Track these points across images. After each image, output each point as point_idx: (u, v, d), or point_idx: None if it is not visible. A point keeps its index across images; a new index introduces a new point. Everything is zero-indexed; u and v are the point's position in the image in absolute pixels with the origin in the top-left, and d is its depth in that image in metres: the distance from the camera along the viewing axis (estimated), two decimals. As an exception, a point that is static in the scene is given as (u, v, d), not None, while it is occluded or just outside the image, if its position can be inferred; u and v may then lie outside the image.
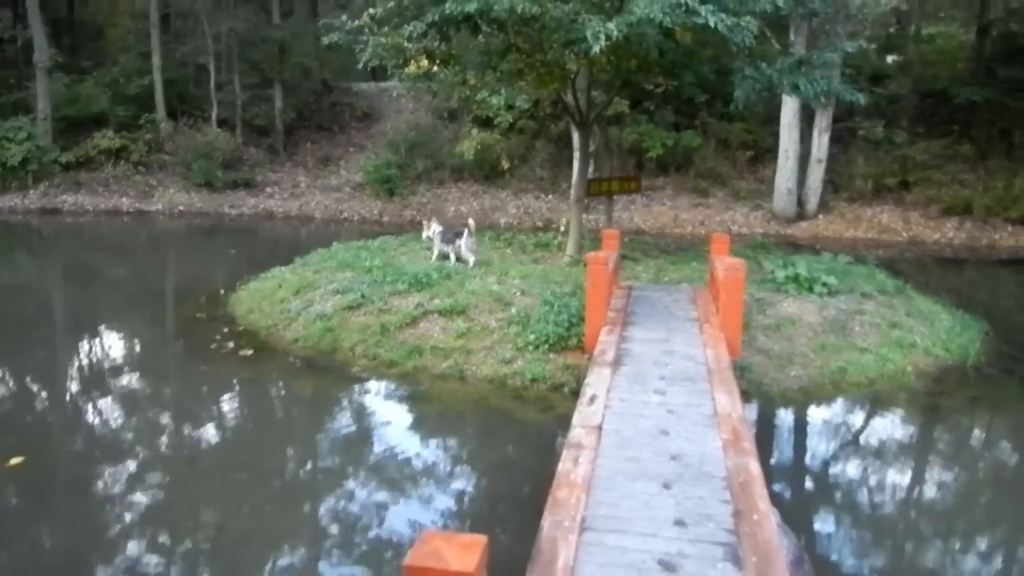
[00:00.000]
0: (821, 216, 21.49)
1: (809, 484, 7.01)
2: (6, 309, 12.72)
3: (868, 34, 26.63)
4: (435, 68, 11.70)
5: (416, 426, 7.78)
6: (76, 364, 10.09)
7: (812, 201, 21.49)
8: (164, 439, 7.45)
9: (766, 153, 23.40)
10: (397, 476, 6.64)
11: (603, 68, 10.39)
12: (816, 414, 8.26)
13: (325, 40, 11.02)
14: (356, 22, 10.98)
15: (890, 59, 27.89)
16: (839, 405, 8.40)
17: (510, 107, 22.89)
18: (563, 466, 4.48)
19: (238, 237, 20.98)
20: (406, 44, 10.54)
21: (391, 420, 7.89)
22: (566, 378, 8.20)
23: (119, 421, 7.91)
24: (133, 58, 28.12)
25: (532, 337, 8.69)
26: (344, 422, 7.95)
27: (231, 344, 9.75)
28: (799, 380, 8.57)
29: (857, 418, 8.30)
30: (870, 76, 24.30)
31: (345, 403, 8.36)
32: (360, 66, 10.85)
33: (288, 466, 7.00)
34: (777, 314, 9.72)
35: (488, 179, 23.87)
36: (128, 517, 5.95)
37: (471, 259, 11.51)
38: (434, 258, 11.86)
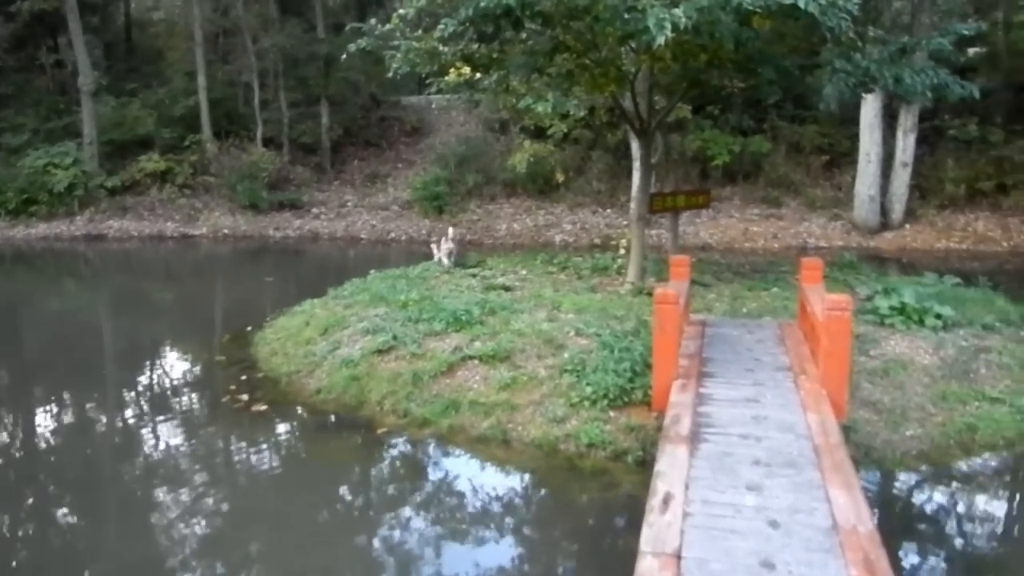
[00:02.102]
0: (908, 226, 19.57)
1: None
2: (13, 340, 11.86)
3: (952, 24, 24.50)
4: (476, 75, 10.46)
5: (443, 520, 6.09)
6: (58, 416, 8.90)
7: (897, 209, 19.59)
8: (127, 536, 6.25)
9: (843, 157, 21.56)
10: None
11: (666, 66, 8.93)
12: (945, 492, 6.61)
13: (351, 47, 9.79)
14: (386, 26, 9.79)
15: (971, 52, 25.69)
16: (973, 477, 6.75)
17: (564, 116, 21.51)
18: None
19: (280, 262, 20.05)
20: (440, 48, 9.28)
21: (412, 510, 6.20)
22: (630, 443, 6.75)
23: (69, 506, 6.62)
24: (180, 78, 27.64)
25: (588, 390, 7.27)
26: (352, 515, 6.41)
27: (245, 396, 8.55)
28: (918, 442, 6.96)
29: (1000, 498, 6.64)
30: (957, 70, 22.25)
31: (359, 483, 6.90)
32: (390, 74, 9.62)
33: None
34: (883, 354, 8.10)
35: (542, 193, 22.55)
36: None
37: (445, 262, 12.82)
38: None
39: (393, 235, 21.67)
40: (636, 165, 14.60)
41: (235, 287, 17.37)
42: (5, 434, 8.44)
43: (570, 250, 18.97)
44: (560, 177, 21.83)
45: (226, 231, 22.63)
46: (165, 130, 25.09)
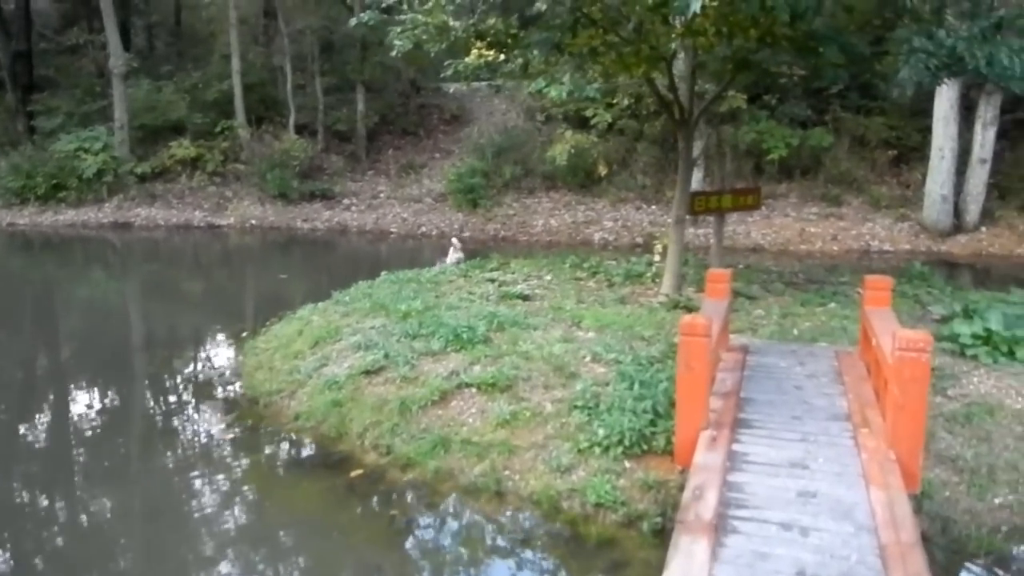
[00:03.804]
0: (984, 228, 17.77)
1: None
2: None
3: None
4: (500, 57, 9.25)
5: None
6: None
7: (972, 210, 17.79)
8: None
9: (912, 152, 19.77)
10: None
11: (709, 44, 7.55)
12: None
13: (352, 22, 8.66)
14: (391, -1, 8.64)
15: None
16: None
17: (609, 105, 20.21)
18: None
19: (301, 257, 19.15)
20: (451, 23, 8.08)
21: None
22: (647, 505, 5.49)
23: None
24: (216, 62, 26.90)
25: (601, 433, 6.02)
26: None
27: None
28: (1009, 515, 5.55)
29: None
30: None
31: (309, 547, 5.66)
32: (394, 54, 8.45)
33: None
34: (964, 395, 6.68)
35: (583, 187, 21.19)
36: None
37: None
38: None
39: (424, 229, 20.57)
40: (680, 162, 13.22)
41: (247, 285, 16.44)
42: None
43: (609, 249, 17.74)
44: (603, 170, 20.44)
45: (253, 222, 21.80)
46: (197, 115, 24.33)
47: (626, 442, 5.88)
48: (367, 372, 7.58)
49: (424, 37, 8.14)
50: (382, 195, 22.94)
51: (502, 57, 9.57)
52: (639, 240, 18.04)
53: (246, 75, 24.70)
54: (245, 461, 6.80)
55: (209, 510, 6.07)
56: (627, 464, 5.81)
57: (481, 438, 6.43)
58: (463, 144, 24.32)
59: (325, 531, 5.72)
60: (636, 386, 6.44)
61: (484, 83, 22.63)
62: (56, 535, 5.81)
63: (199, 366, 9.51)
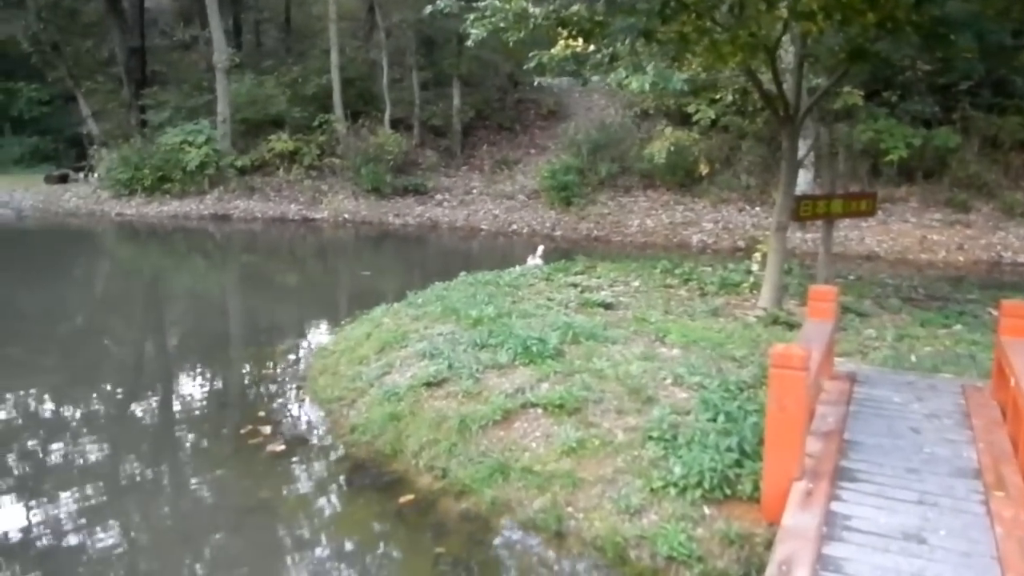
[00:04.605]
0: None
1: None
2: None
3: None
4: (590, 47, 8.55)
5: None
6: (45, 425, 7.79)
7: (1123, 220, 15.93)
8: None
9: (1051, 155, 17.94)
10: None
11: (818, 30, 6.61)
12: None
13: (428, 9, 8.13)
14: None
15: None
16: None
17: (714, 100, 19.13)
18: None
19: (390, 252, 18.96)
20: (530, 8, 7.44)
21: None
22: (727, 563, 4.72)
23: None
24: (316, 56, 27.14)
25: (677, 471, 5.26)
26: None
27: (268, 429, 7.11)
28: None
29: None
30: None
31: None
32: (469, 43, 7.89)
33: None
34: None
35: (683, 187, 20.22)
36: None
37: None
38: None
39: (515, 227, 20.03)
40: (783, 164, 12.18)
41: (333, 280, 16.25)
42: None
43: (708, 253, 16.78)
44: (704, 169, 19.38)
45: (347, 216, 21.77)
46: (297, 109, 24.55)
47: (706, 484, 5.10)
48: (429, 384, 7.03)
49: (502, 25, 7.52)
50: (475, 191, 22.55)
51: (591, 48, 8.89)
52: (740, 244, 16.98)
53: (345, 70, 24.78)
54: (288, 479, 6.34)
55: (229, 534, 5.61)
56: (706, 510, 5.03)
57: (543, 467, 5.77)
58: (559, 140, 23.67)
59: (362, 568, 5.19)
60: (721, 417, 5.65)
61: (571, 78, 21.94)
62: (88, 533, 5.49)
63: (264, 368, 9.19)
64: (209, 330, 11.64)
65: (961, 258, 15.92)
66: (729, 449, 5.26)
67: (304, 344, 10.27)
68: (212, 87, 26.30)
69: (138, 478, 6.57)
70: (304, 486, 6.24)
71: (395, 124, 24.37)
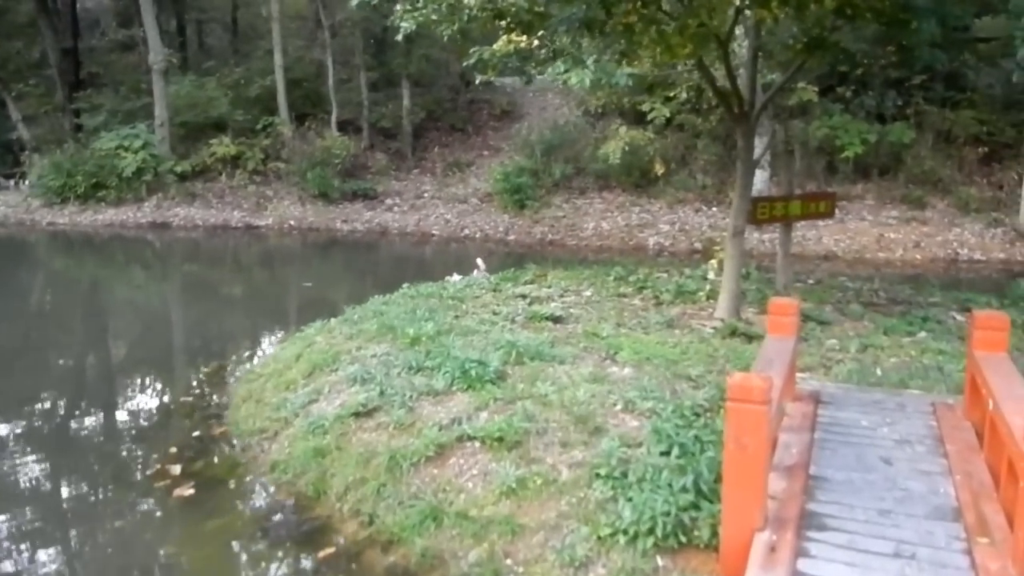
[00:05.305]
0: (1093, 235, 15.76)
1: None
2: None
3: None
4: (534, 43, 7.94)
5: None
6: None
7: (1079, 214, 15.82)
8: None
9: (1005, 150, 17.87)
10: None
11: (774, 17, 6.07)
12: None
13: (353, 3, 7.47)
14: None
15: None
16: None
17: (668, 99, 18.68)
18: None
19: (334, 261, 18.25)
20: None
21: None
22: (683, 626, 4.16)
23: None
24: (260, 56, 26.18)
25: (628, 515, 4.67)
26: None
27: (178, 469, 6.39)
28: None
29: None
30: None
31: None
32: (399, 38, 7.25)
33: None
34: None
35: (638, 188, 19.78)
36: None
37: None
38: None
39: (467, 232, 19.40)
40: (738, 164, 11.71)
41: (268, 292, 15.39)
42: None
43: (665, 255, 16.35)
44: (659, 169, 18.97)
45: (292, 222, 20.95)
46: (239, 112, 23.63)
47: (659, 531, 4.52)
48: (357, 414, 6.38)
49: (434, 17, 6.89)
50: (426, 195, 21.88)
51: (535, 43, 8.30)
52: (698, 246, 16.57)
53: (291, 70, 23.99)
54: (194, 532, 5.62)
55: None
56: (659, 561, 4.46)
57: (480, 511, 5.15)
58: (513, 141, 23.11)
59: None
60: (675, 450, 5.09)
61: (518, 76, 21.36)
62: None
63: (185, 395, 8.43)
64: (133, 350, 10.85)
65: (919, 256, 15.67)
66: (684, 489, 4.69)
67: (231, 366, 9.53)
68: (150, 90, 25.25)
69: (21, 528, 5.78)
70: (211, 541, 5.51)
71: (343, 126, 23.60)
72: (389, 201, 21.65)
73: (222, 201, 22.25)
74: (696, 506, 4.60)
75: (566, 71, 5.60)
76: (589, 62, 5.47)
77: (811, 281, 11.23)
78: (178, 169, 22.64)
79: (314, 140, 22.64)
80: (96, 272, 17.36)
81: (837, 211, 15.63)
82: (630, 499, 4.77)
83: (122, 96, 25.53)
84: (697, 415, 5.64)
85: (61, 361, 10.15)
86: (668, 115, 18.81)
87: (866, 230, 16.67)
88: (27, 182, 23.91)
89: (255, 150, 22.82)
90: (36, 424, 7.95)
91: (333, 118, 23.13)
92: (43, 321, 12.61)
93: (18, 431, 7.62)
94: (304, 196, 21.80)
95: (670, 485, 4.75)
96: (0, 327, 11.65)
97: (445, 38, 7.32)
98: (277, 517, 5.73)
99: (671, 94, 18.29)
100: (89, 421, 8.08)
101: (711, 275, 9.54)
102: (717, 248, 11.36)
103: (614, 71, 5.74)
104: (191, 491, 6.02)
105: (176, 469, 6.37)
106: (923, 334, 8.08)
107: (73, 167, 22.36)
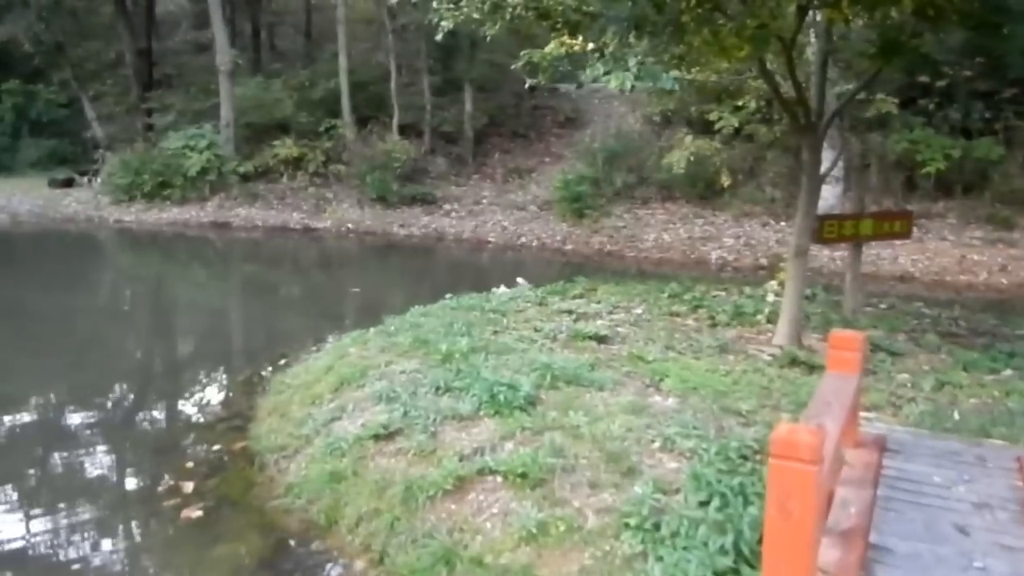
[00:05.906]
0: None
1: None
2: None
3: None
4: (578, 43, 7.48)
5: None
6: None
7: None
8: None
9: (1103, 169, 16.52)
10: None
11: (845, 19, 5.45)
12: None
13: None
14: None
15: None
16: None
17: (738, 108, 17.96)
18: None
19: (389, 266, 18.03)
20: (504, -4, 6.39)
21: None
22: None
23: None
24: (327, 59, 26.27)
25: (658, 572, 4.15)
26: None
27: (191, 486, 6.09)
28: None
29: None
30: None
31: None
32: (438, 37, 6.86)
33: None
34: None
35: (703, 199, 19.04)
36: None
37: None
38: None
39: (524, 240, 18.94)
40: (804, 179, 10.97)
41: (316, 298, 15.03)
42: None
43: (728, 270, 15.62)
44: (726, 180, 18.20)
45: (350, 225, 20.81)
46: (303, 114, 23.70)
47: (692, 595, 3.99)
48: (378, 436, 5.98)
49: (475, 16, 6.46)
50: (485, 201, 21.52)
51: (590, 46, 7.81)
52: (763, 261, 15.77)
53: (354, 73, 23.91)
54: (197, 560, 5.26)
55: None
56: (692, 633, 3.92)
57: (497, 557, 4.67)
58: (576, 149, 22.58)
59: None
60: (715, 501, 4.53)
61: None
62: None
63: (213, 404, 8.19)
64: (172, 352, 10.76)
65: (1004, 280, 14.57)
66: (722, 551, 4.13)
67: (266, 374, 9.26)
68: (219, 90, 25.61)
69: (15, 545, 5.52)
70: (212, 570, 5.15)
71: (405, 130, 23.43)
72: (447, 206, 21.37)
73: (282, 202, 22.29)
74: (736, 571, 4.05)
75: (606, 73, 5.11)
76: (632, 63, 4.97)
77: (883, 305, 10.42)
78: (241, 169, 22.81)
79: (375, 143, 22.55)
80: (155, 272, 17.48)
81: (916, 229, 14.72)
82: (660, 558, 4.24)
83: (192, 96, 25.94)
84: (744, 458, 5.05)
85: (99, 358, 10.06)
86: (737, 125, 18.09)
87: (947, 251, 15.62)
88: (98, 179, 24.41)
89: (317, 152, 22.84)
90: (56, 423, 7.81)
91: (395, 122, 22.97)
92: (93, 317, 12.60)
93: (33, 430, 7.48)
94: (363, 199, 21.69)
95: (706, 544, 4.20)
96: (50, 322, 11.66)
97: (487, 39, 6.90)
98: (285, 548, 5.35)
99: (740, 103, 17.59)
100: (110, 427, 7.84)
101: (771, 296, 8.87)
102: (783, 265, 10.67)
103: (659, 74, 5.21)
104: (199, 512, 5.70)
105: (189, 487, 6.07)
106: (1008, 372, 7.28)
107: (141, 166, 22.72)
